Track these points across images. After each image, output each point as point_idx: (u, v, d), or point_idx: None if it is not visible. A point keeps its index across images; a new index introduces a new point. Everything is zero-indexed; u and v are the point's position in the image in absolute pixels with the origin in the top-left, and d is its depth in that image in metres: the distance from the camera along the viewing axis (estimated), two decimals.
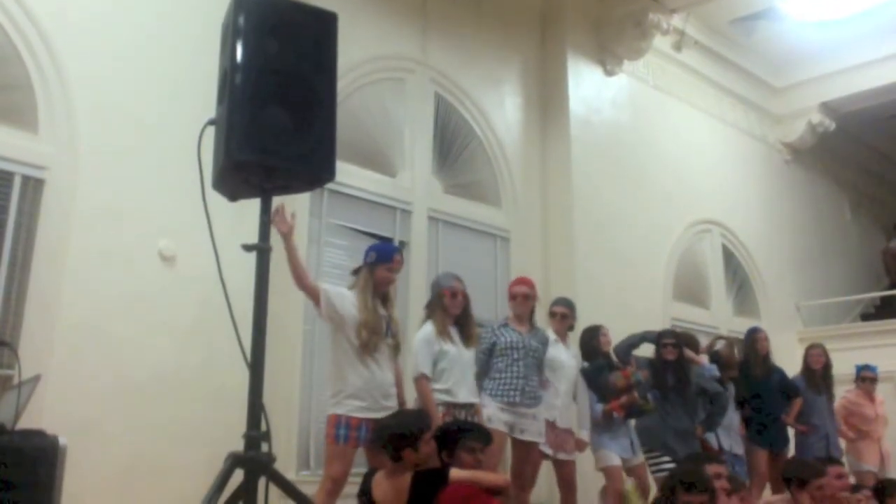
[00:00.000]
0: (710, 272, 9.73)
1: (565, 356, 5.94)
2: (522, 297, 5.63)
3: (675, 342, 6.45)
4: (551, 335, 5.91)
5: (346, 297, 4.74)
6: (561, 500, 5.97)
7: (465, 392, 5.08)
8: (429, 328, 5.11)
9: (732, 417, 6.88)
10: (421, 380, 4.97)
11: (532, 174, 8.15)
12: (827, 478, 5.40)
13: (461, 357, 5.10)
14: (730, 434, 6.78)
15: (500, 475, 4.52)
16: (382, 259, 4.83)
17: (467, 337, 5.18)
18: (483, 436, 4.45)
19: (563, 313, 6.06)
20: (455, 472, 4.10)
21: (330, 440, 4.58)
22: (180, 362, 5.24)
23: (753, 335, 7.48)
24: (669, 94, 9.74)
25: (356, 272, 4.90)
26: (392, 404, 4.71)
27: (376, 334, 4.67)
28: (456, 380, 5.03)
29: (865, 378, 7.94)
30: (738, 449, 6.83)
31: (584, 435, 6.03)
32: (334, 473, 4.54)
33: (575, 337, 6.33)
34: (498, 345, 5.42)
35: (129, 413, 4.96)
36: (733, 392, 6.97)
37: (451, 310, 5.14)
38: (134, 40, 5.44)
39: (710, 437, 6.60)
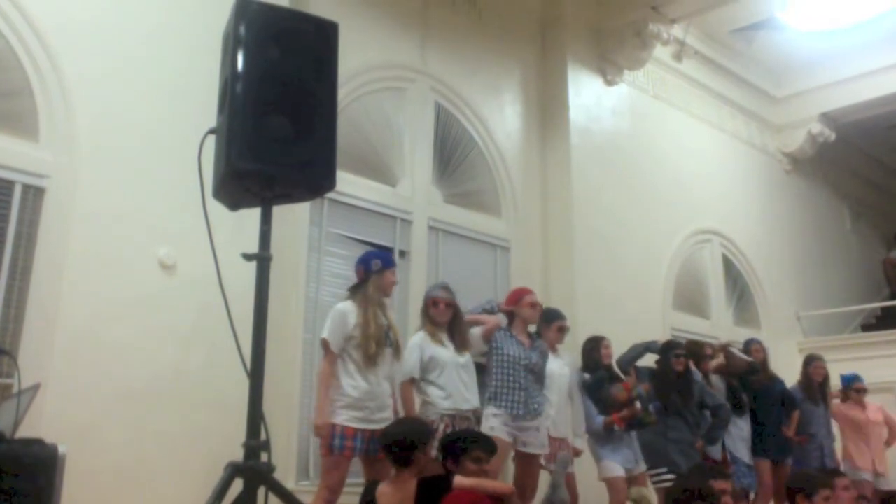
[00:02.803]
0: (710, 282, 9.72)
1: (556, 366, 5.94)
2: (539, 307, 5.71)
3: (686, 354, 6.47)
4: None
5: (347, 314, 4.74)
6: None
7: (464, 398, 5.10)
8: (421, 334, 5.17)
9: (742, 427, 6.89)
10: (406, 384, 5.00)
11: (532, 183, 8.16)
12: (834, 490, 5.39)
13: (457, 363, 5.11)
14: (741, 443, 6.80)
15: (504, 483, 4.52)
16: (388, 264, 4.88)
17: (459, 344, 5.20)
18: (488, 446, 4.47)
19: (568, 327, 6.14)
20: (459, 480, 4.14)
21: (325, 450, 4.58)
22: (180, 370, 5.23)
23: (750, 347, 7.53)
24: (669, 104, 9.75)
25: (355, 288, 4.90)
26: (388, 415, 4.72)
27: (381, 345, 4.69)
28: (455, 386, 5.06)
29: (859, 389, 7.95)
30: (749, 459, 6.85)
31: (579, 443, 6.05)
32: (330, 483, 4.55)
33: (567, 346, 6.36)
34: (501, 353, 5.41)
35: (129, 421, 4.95)
36: (746, 401, 7.00)
37: (437, 319, 5.18)
38: (135, 49, 5.45)
39: (717, 448, 6.60)
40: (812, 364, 7.74)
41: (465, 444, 4.40)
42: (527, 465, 5.45)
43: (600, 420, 6.06)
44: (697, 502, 4.11)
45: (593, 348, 6.38)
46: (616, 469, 6.02)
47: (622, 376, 6.32)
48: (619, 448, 6.09)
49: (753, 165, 10.98)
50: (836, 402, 7.98)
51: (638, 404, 5.97)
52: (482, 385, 5.36)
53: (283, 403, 5.71)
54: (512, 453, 5.43)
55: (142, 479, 4.92)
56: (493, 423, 5.20)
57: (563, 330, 6.09)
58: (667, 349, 6.50)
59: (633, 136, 9.05)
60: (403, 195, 7.03)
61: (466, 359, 5.22)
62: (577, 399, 6.13)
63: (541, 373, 5.54)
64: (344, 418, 4.58)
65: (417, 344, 5.11)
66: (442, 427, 4.89)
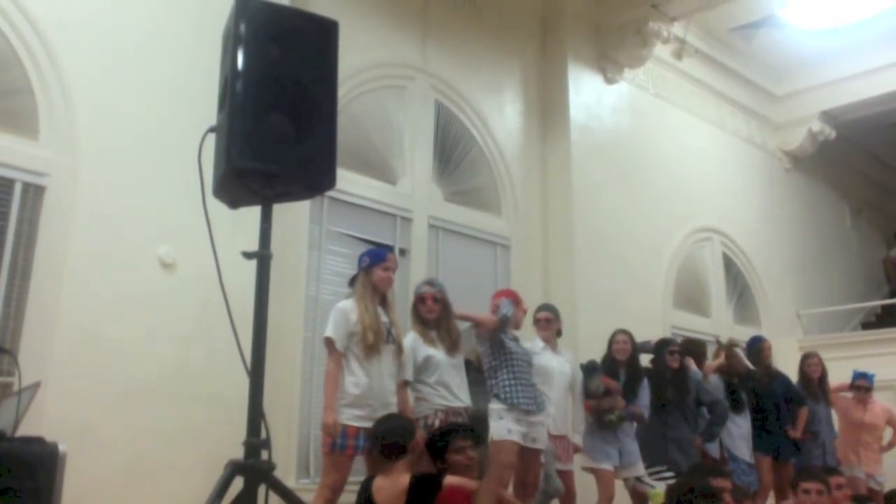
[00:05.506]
0: (710, 280, 9.72)
1: (555, 363, 5.92)
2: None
3: (679, 350, 6.46)
4: (539, 342, 5.93)
5: (348, 312, 4.74)
6: None
7: (457, 398, 5.07)
8: (412, 335, 5.13)
9: (742, 425, 6.88)
10: (401, 385, 4.97)
11: (532, 181, 8.16)
12: (830, 489, 5.41)
13: (450, 363, 5.09)
14: (742, 442, 6.80)
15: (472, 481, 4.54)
16: (376, 260, 4.87)
17: (450, 345, 5.14)
18: (468, 432, 4.51)
19: (547, 318, 6.05)
20: (449, 479, 4.23)
21: (327, 449, 4.58)
22: (180, 368, 5.23)
23: (759, 346, 7.51)
24: (670, 102, 9.75)
25: (352, 282, 4.92)
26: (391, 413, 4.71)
27: (379, 336, 4.68)
28: (448, 387, 5.03)
29: (860, 387, 7.93)
30: (750, 457, 6.84)
31: (578, 440, 6.04)
32: (331, 482, 4.54)
33: (567, 344, 6.35)
34: (507, 351, 5.40)
35: (129, 419, 4.95)
36: (745, 399, 6.99)
37: (425, 315, 5.15)
38: (135, 47, 5.45)
39: (715, 446, 6.59)
40: (807, 361, 7.74)
41: (446, 438, 4.50)
42: (531, 460, 5.40)
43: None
44: (701, 501, 4.11)
45: (610, 342, 6.44)
46: (602, 461, 6.01)
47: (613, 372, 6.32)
48: (608, 442, 6.06)
49: (753, 163, 10.99)
50: (843, 393, 7.97)
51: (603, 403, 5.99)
52: (473, 383, 5.33)
53: (284, 401, 5.70)
54: None
55: (142, 477, 4.92)
56: (510, 426, 5.04)
57: (539, 321, 6.04)
58: (661, 346, 6.51)
59: (634, 134, 9.05)
60: (404, 193, 7.02)
61: (458, 359, 5.19)
62: (578, 396, 6.12)
63: (530, 361, 5.55)
64: (346, 417, 4.57)
65: (409, 346, 5.05)
66: (437, 422, 4.89)
